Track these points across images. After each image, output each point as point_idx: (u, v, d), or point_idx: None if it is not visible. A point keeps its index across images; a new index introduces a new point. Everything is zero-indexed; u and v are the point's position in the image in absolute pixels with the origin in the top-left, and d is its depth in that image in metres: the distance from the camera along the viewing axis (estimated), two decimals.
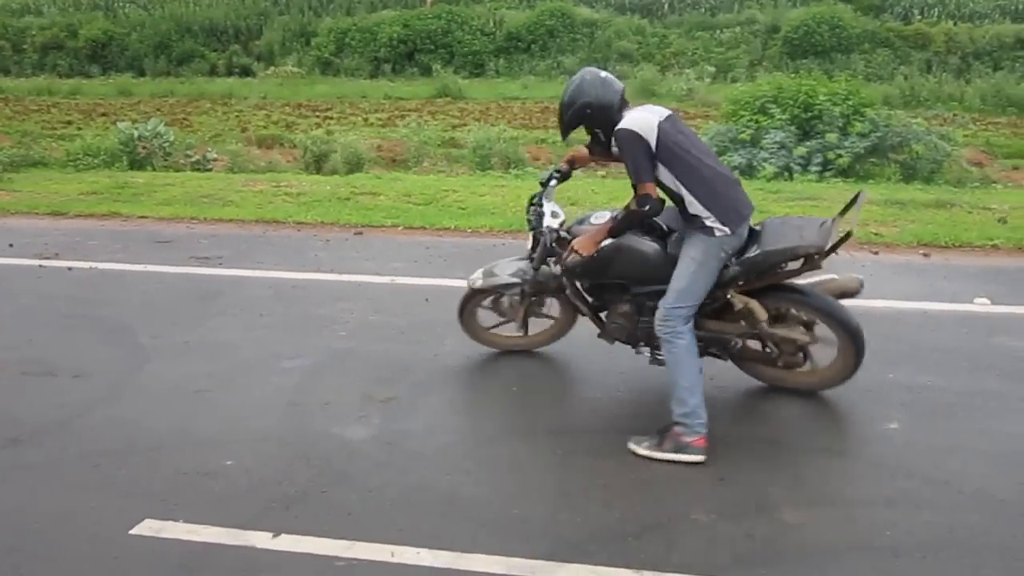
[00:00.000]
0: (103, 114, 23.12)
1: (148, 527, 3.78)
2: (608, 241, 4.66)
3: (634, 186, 4.45)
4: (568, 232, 4.97)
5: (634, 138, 4.36)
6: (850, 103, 12.37)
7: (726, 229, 4.41)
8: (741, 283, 4.63)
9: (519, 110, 23.31)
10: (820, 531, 3.75)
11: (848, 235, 4.53)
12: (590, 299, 5.13)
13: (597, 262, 4.73)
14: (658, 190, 4.45)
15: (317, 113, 23.32)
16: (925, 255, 7.83)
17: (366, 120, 21.71)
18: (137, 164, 13.41)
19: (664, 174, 4.43)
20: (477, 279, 5.35)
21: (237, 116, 22.74)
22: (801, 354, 4.87)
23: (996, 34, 30.86)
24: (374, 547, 3.63)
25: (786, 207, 9.43)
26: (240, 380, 5.34)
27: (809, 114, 12.32)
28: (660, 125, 4.40)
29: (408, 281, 7.18)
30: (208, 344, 5.92)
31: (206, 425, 4.76)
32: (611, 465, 4.32)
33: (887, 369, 5.32)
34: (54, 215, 9.88)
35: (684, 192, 4.42)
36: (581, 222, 5.01)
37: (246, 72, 33.65)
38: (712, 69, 28.85)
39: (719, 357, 4.93)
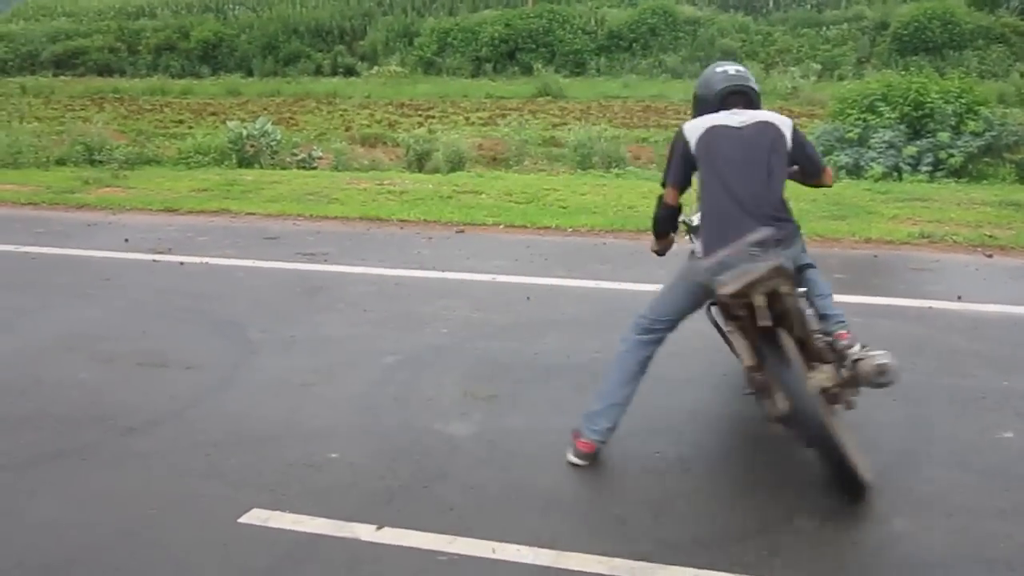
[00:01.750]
0: (213, 113, 23.74)
1: (256, 516, 3.87)
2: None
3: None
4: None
5: (676, 137, 4.27)
6: (963, 101, 12.01)
7: (697, 253, 4.18)
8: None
9: (620, 109, 23.20)
10: (929, 541, 3.64)
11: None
12: None
13: None
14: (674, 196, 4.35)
15: (419, 112, 23.55)
16: None
17: (467, 119, 21.85)
18: (245, 162, 13.74)
19: (698, 179, 4.22)
20: None
21: (341, 115, 23.12)
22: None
23: None
24: (475, 543, 3.65)
25: (895, 208, 9.21)
26: (345, 375, 5.42)
27: (920, 112, 11.99)
28: (709, 129, 4.13)
29: (509, 279, 7.21)
30: (314, 339, 6.03)
31: (312, 418, 4.85)
32: (715, 468, 4.28)
33: (1002, 376, 5.15)
34: (167, 211, 10.19)
35: (699, 203, 4.26)
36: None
37: (350, 72, 34.19)
38: (818, 67, 28.26)
39: None
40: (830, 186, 4.67)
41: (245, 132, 14.06)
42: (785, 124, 4.18)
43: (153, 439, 4.66)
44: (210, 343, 6.04)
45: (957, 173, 11.34)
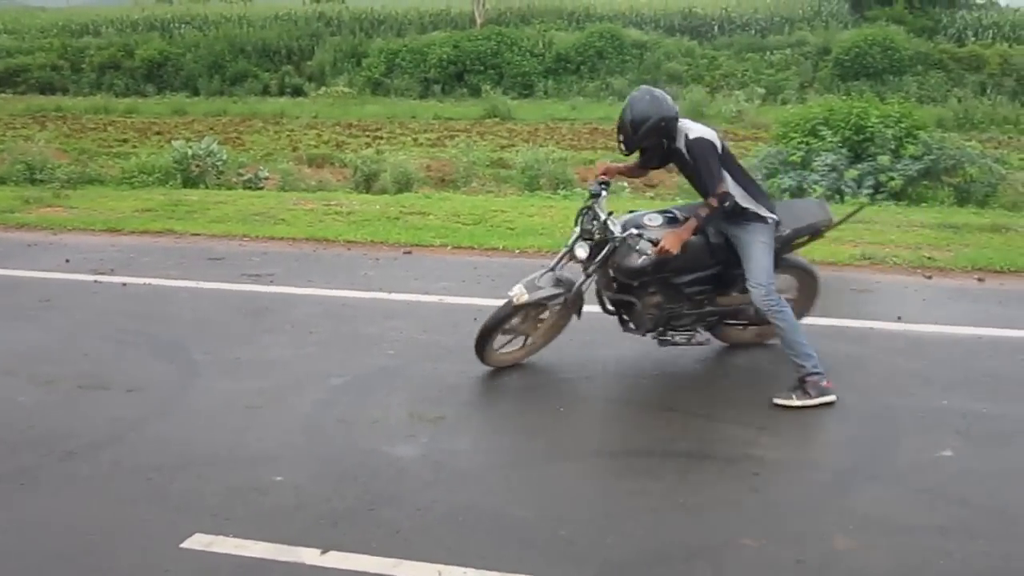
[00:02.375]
0: (158, 133, 23.47)
1: (198, 541, 3.83)
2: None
3: (702, 189, 5.16)
4: (631, 235, 5.22)
5: (710, 145, 5.10)
6: (903, 125, 12.22)
7: (774, 216, 5.25)
8: None
9: (568, 131, 23.32)
10: (871, 558, 3.70)
11: (861, 207, 5.51)
12: (628, 295, 5.41)
13: (666, 258, 5.09)
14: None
15: (367, 133, 23.49)
16: (979, 280, 7.71)
17: (416, 140, 21.84)
18: (191, 182, 13.58)
19: (725, 177, 5.11)
20: (522, 295, 5.38)
21: (289, 135, 22.99)
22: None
23: None
24: (421, 566, 3.64)
25: (837, 230, 9.30)
26: (290, 397, 5.38)
27: (861, 136, 12.17)
28: (720, 136, 5.19)
29: (457, 300, 7.20)
30: (259, 361, 5.98)
31: (256, 441, 4.81)
32: (659, 488, 4.30)
33: (941, 395, 5.25)
34: (109, 231, 10.04)
35: (740, 191, 5.15)
36: (638, 224, 5.28)
37: (298, 92, 34.01)
38: (762, 91, 28.65)
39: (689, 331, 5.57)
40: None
41: (190, 152, 13.90)
42: None
43: (93, 463, 4.59)
44: (153, 365, 5.96)
45: (897, 196, 11.53)
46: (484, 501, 4.16)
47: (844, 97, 15.46)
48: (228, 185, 13.70)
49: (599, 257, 5.30)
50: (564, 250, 5.51)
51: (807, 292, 5.91)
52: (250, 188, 13.65)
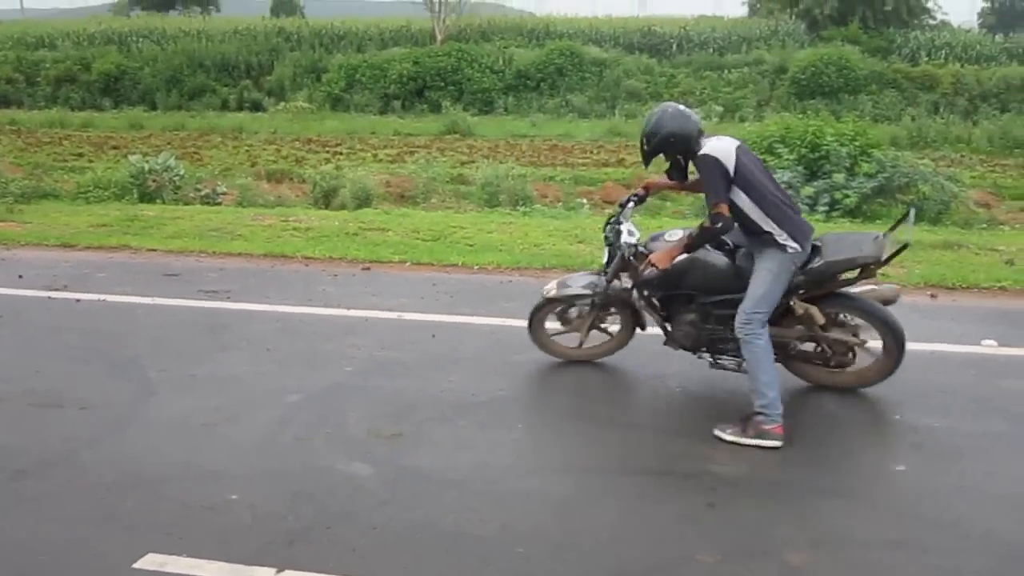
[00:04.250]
0: (114, 147, 23.26)
1: (151, 561, 3.78)
2: (683, 256, 5.21)
3: (709, 206, 5.00)
4: (644, 248, 5.50)
5: (714, 163, 4.96)
6: (857, 144, 12.38)
7: (796, 246, 5.01)
8: (803, 291, 5.23)
9: (528, 148, 23.40)
10: (825, 574, 3.72)
11: (905, 246, 5.16)
12: (661, 310, 5.60)
13: (672, 275, 5.26)
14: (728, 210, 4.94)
15: (327, 148, 23.43)
16: (932, 296, 7.82)
17: (375, 156, 21.81)
18: (147, 197, 13.46)
19: (740, 196, 4.98)
20: (551, 289, 5.85)
21: (247, 150, 22.87)
22: (851, 354, 5.46)
23: (1003, 76, 31.03)
24: None
25: None
26: (246, 414, 5.34)
27: (816, 154, 12.32)
28: (737, 153, 5.01)
29: (415, 317, 7.19)
30: (215, 378, 5.93)
31: (211, 459, 4.76)
32: (618, 504, 4.31)
33: (894, 410, 5.32)
34: (64, 247, 9.93)
35: (758, 212, 4.99)
36: (655, 239, 5.55)
37: (257, 107, 33.88)
38: (720, 108, 29.00)
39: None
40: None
41: (147, 166, 13.79)
42: None
43: (44, 482, 4.52)
44: (107, 382, 5.89)
45: (852, 213, 11.67)
46: (441, 519, 4.15)
47: (800, 115, 15.63)
48: (185, 200, 13.61)
49: (612, 265, 5.57)
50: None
51: (888, 352, 5.38)
52: (208, 203, 13.56)
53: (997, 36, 42.36)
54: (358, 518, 4.15)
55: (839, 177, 11.88)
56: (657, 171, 6.02)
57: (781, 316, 5.27)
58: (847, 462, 4.77)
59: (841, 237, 5.47)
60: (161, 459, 4.76)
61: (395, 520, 4.14)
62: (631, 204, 5.74)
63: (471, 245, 9.78)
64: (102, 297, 7.80)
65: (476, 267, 8.89)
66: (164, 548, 3.86)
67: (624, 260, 5.52)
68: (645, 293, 5.60)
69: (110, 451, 4.88)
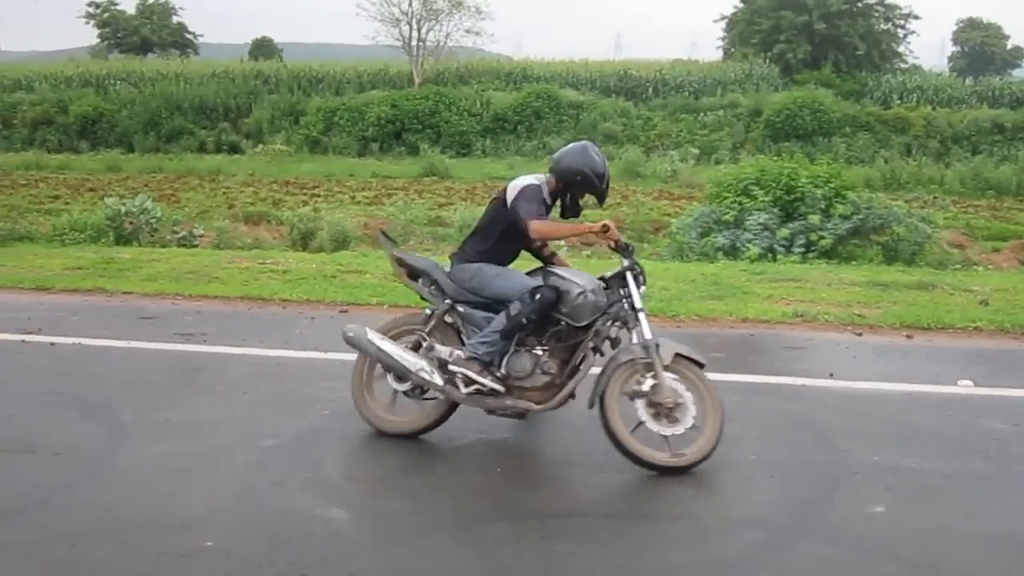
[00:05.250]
0: (91, 189, 23.21)
1: None
2: None
3: None
4: None
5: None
6: (832, 186, 12.53)
7: None
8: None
9: None
10: None
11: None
12: None
13: None
14: None
15: (304, 191, 23.47)
16: (908, 337, 7.87)
17: (353, 198, 21.86)
18: (123, 240, 13.43)
19: None
20: None
21: (225, 193, 22.87)
22: None
23: (974, 119, 31.59)
24: None
25: (770, 288, 9.51)
26: (222, 459, 5.28)
27: (792, 196, 12.45)
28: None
29: None
30: (190, 422, 5.87)
31: (186, 505, 4.70)
32: (596, 549, 4.28)
33: (872, 452, 5.32)
34: (38, 290, 9.85)
35: None
36: None
37: (235, 149, 33.98)
38: (696, 151, 29.30)
39: None
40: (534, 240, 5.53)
41: (124, 209, 13.76)
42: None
43: (14, 530, 4.44)
44: (80, 428, 5.81)
45: (828, 254, 11.78)
46: (419, 565, 4.10)
47: (775, 158, 15.83)
48: (162, 243, 13.58)
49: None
50: None
51: None
52: (184, 246, 13.53)
53: (967, 79, 43.20)
54: (335, 564, 4.09)
55: (814, 219, 12.00)
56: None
57: None
58: (827, 503, 4.76)
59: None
60: (135, 505, 4.69)
61: (372, 566, 4.09)
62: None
63: None
64: (77, 340, 7.72)
65: None
66: None
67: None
68: None
69: (83, 498, 4.80)
